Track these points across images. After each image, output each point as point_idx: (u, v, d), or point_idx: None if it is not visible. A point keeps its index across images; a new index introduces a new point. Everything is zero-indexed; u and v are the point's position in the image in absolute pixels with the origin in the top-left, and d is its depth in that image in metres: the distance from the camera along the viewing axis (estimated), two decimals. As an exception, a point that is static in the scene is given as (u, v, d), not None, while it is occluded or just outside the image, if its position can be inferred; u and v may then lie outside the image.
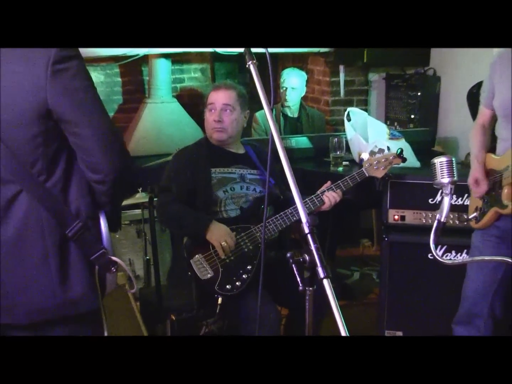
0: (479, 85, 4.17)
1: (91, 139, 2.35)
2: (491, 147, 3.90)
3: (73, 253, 2.43)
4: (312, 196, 4.02)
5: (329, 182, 4.06)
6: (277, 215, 3.98)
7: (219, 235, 3.86)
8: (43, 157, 2.36)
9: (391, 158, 4.25)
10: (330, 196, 3.98)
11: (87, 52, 5.49)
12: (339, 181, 4.07)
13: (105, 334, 2.59)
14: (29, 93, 2.28)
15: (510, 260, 2.97)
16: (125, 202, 4.66)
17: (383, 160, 4.23)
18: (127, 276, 2.61)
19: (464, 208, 4.07)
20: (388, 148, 4.40)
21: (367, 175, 4.19)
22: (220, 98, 4.07)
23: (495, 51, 3.98)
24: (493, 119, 3.89)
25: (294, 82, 6.15)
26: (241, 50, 2.34)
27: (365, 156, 4.34)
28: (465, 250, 4.06)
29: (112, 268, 2.50)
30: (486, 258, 3.71)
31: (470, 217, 3.90)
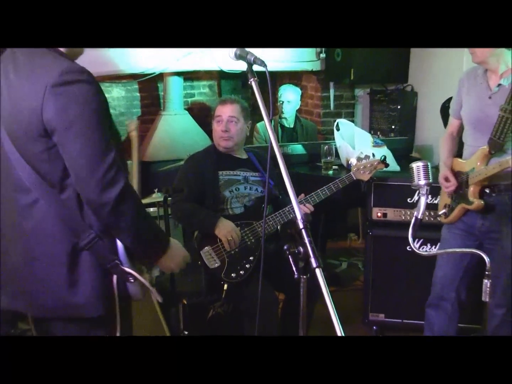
0: (450, 99, 4.18)
1: (75, 165, 2.20)
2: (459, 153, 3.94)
3: (84, 261, 2.33)
4: (307, 196, 4.06)
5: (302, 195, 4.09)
6: (276, 213, 4.00)
7: (226, 230, 3.88)
8: (51, 172, 2.26)
9: (375, 163, 4.29)
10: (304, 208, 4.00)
11: (109, 70, 5.52)
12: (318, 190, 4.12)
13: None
14: (30, 111, 2.17)
15: (476, 251, 2.99)
16: (142, 201, 4.70)
17: (368, 165, 4.26)
18: (141, 284, 2.41)
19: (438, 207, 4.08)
20: (373, 155, 4.41)
21: (354, 178, 4.23)
22: (227, 111, 4.09)
23: (464, 69, 3.99)
24: (461, 128, 3.92)
25: (289, 96, 6.13)
26: (244, 68, 2.31)
27: (353, 161, 4.35)
28: (438, 243, 4.07)
29: (130, 278, 2.38)
30: (458, 250, 3.73)
31: (439, 213, 3.93)
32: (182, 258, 2.64)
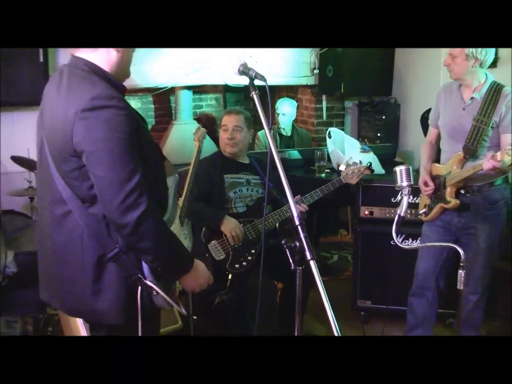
0: (429, 110, 4.19)
1: (99, 186, 2.13)
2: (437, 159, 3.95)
3: (109, 272, 2.25)
4: (302, 197, 4.08)
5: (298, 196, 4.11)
6: (275, 211, 4.03)
7: (231, 226, 3.90)
8: (81, 188, 2.19)
9: (362, 169, 4.31)
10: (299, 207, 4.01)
11: (128, 85, 5.51)
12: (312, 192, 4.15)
13: None
14: (63, 132, 2.11)
15: (453, 245, 3.00)
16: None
17: (356, 171, 4.29)
18: (168, 301, 2.31)
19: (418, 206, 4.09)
20: (360, 162, 4.42)
21: (344, 182, 4.25)
22: (232, 121, 4.11)
23: (441, 84, 4.00)
24: (439, 137, 3.93)
25: (285, 109, 6.13)
26: (247, 83, 2.29)
27: (342, 168, 4.37)
28: (419, 238, 4.08)
29: (153, 292, 2.27)
30: (436, 244, 3.74)
31: (420, 212, 3.93)
32: (205, 279, 2.53)
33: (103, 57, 2.24)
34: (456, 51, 3.52)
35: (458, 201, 3.66)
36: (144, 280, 2.25)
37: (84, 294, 2.26)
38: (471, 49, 3.46)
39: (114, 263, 2.23)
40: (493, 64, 3.59)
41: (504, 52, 4.77)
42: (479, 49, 3.46)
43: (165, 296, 2.29)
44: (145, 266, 2.26)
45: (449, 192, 3.68)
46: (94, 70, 2.22)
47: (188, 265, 2.40)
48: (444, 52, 5.32)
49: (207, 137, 7.07)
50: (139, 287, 2.25)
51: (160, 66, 5.60)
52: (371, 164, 4.44)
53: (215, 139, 6.60)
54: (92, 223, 2.22)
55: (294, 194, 2.16)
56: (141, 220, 2.12)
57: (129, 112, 2.16)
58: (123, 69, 2.36)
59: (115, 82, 2.28)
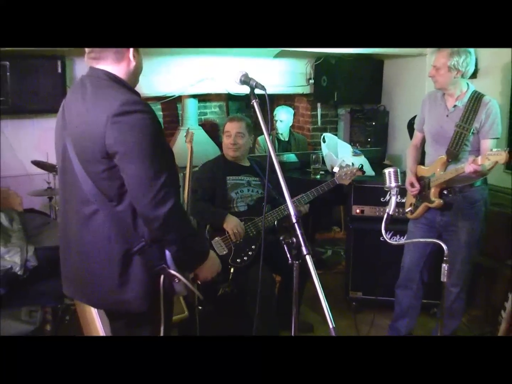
0: (415, 117, 4.19)
1: (132, 184, 2.17)
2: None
3: (135, 264, 2.27)
4: (299, 196, 4.09)
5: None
6: (273, 210, 4.03)
7: (233, 224, 3.90)
8: (110, 188, 2.22)
9: (354, 171, 4.31)
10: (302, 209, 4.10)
11: (141, 93, 5.52)
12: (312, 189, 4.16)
13: (162, 332, 2.39)
14: (95, 137, 2.14)
15: (437, 241, 3.00)
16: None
17: (349, 172, 4.28)
18: (189, 287, 2.39)
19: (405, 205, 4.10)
20: (352, 164, 4.42)
21: (337, 183, 4.26)
22: (235, 127, 4.11)
23: (426, 92, 4.01)
24: (423, 141, 3.94)
25: (283, 116, 6.12)
26: (248, 92, 2.30)
27: (336, 169, 4.37)
28: (405, 235, 4.08)
29: (175, 279, 2.32)
30: (421, 240, 3.73)
31: (406, 210, 3.95)
32: (217, 268, 2.60)
33: (123, 68, 2.31)
34: (440, 63, 3.53)
35: (441, 201, 3.66)
36: (168, 270, 2.29)
37: (112, 287, 2.28)
38: (453, 61, 3.48)
39: (139, 256, 2.26)
40: (474, 75, 3.60)
41: (483, 63, 4.78)
42: (461, 61, 3.48)
43: (187, 283, 2.35)
44: (168, 257, 2.30)
45: (433, 192, 3.68)
46: (113, 79, 2.27)
47: (206, 255, 2.47)
48: (428, 63, 5.34)
49: (211, 141, 7.11)
50: (162, 276, 2.29)
51: (168, 77, 5.61)
52: (362, 166, 4.44)
53: (218, 144, 6.63)
54: (119, 220, 2.25)
55: (292, 195, 2.16)
56: (170, 214, 2.17)
57: (153, 116, 2.21)
58: (136, 78, 2.42)
59: (132, 89, 2.33)
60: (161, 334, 2.40)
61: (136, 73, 2.40)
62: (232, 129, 4.14)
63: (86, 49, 2.32)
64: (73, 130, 2.25)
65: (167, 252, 2.30)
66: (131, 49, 2.32)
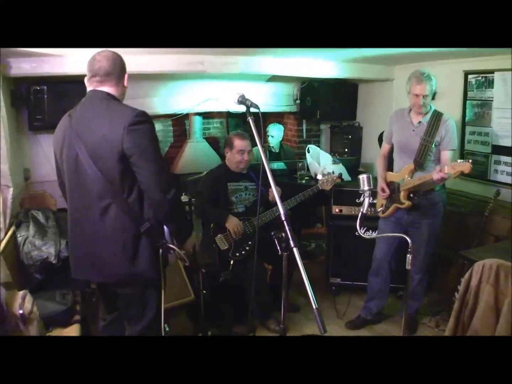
0: (384, 132, 4.21)
1: (147, 177, 2.33)
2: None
3: (143, 243, 2.44)
4: (287, 200, 4.09)
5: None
6: (267, 211, 4.02)
7: (233, 224, 3.90)
8: (123, 184, 2.36)
9: (335, 178, 4.32)
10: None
11: (153, 112, 5.53)
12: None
13: (162, 297, 2.57)
14: (113, 143, 2.28)
15: (403, 236, 3.00)
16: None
17: (330, 179, 4.29)
18: (180, 256, 2.60)
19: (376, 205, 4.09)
20: (333, 172, 4.42)
21: (320, 188, 4.25)
22: (245, 145, 4.05)
23: (393, 110, 4.02)
24: (390, 151, 3.96)
25: (274, 132, 6.11)
26: (244, 110, 2.30)
27: (319, 177, 4.36)
28: (377, 230, 4.08)
29: (171, 251, 2.53)
30: (390, 234, 3.75)
31: (378, 210, 3.95)
32: (194, 241, 2.83)
33: (118, 90, 2.49)
34: (428, 90, 3.57)
35: (410, 203, 3.68)
36: (167, 244, 2.50)
37: (126, 262, 2.42)
38: (432, 86, 3.58)
39: (145, 236, 2.42)
40: (432, 98, 3.62)
41: (439, 88, 4.78)
42: (434, 85, 3.59)
43: (179, 252, 2.57)
44: (166, 234, 2.53)
45: (402, 195, 3.70)
46: (114, 98, 2.45)
47: (191, 230, 2.73)
48: (395, 86, 5.37)
49: (214, 152, 7.10)
50: (160, 250, 2.48)
51: (179, 98, 5.60)
52: (341, 174, 4.45)
53: (220, 154, 6.64)
54: (130, 209, 2.38)
55: (281, 197, 2.16)
56: (175, 198, 2.41)
57: (154, 125, 2.42)
58: (123, 99, 2.58)
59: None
60: (162, 297, 2.57)
61: (124, 95, 2.58)
62: (246, 147, 4.06)
63: (90, 74, 2.44)
64: (88, 139, 2.35)
65: (166, 230, 2.53)
66: (126, 75, 2.53)
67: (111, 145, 2.28)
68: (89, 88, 2.48)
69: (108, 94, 2.44)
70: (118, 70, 2.47)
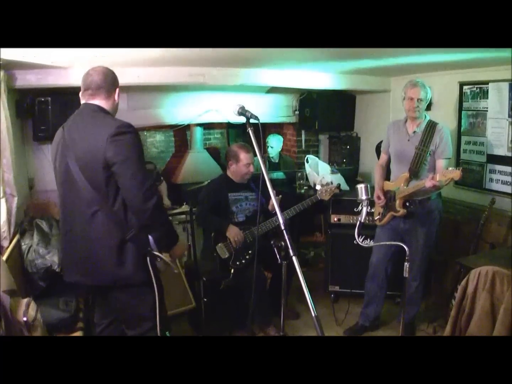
0: (381, 142, 4.23)
1: (127, 185, 2.39)
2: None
3: (129, 249, 2.49)
4: (287, 210, 4.10)
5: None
6: (266, 221, 4.04)
7: (234, 232, 3.93)
8: (108, 192, 2.43)
9: (333, 189, 4.31)
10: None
11: (157, 122, 5.57)
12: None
13: (157, 300, 2.59)
14: (98, 153, 2.36)
15: (400, 244, 3.02)
16: (175, 211, 4.70)
17: (328, 190, 4.28)
18: (167, 263, 2.63)
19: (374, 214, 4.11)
20: (331, 182, 4.44)
21: (319, 198, 4.25)
22: (251, 158, 4.10)
23: (390, 120, 4.06)
24: (388, 161, 3.98)
25: (274, 143, 6.15)
26: (244, 121, 2.31)
27: (318, 187, 4.38)
28: (374, 238, 4.09)
29: (158, 259, 2.56)
30: (387, 243, 3.76)
31: (375, 218, 3.97)
32: (184, 248, 2.89)
33: (110, 104, 2.58)
34: (421, 95, 3.60)
35: (405, 210, 3.70)
36: (152, 251, 2.53)
37: (112, 267, 2.49)
38: (426, 94, 3.61)
39: (131, 242, 2.48)
40: (428, 107, 3.66)
41: (435, 98, 4.83)
42: (428, 93, 3.63)
43: (167, 260, 2.59)
44: (151, 242, 2.53)
45: (398, 203, 3.72)
46: (104, 110, 2.54)
47: (177, 238, 2.70)
48: (392, 97, 5.40)
49: (214, 162, 7.13)
50: (148, 258, 2.51)
51: (180, 109, 5.63)
52: (339, 184, 4.47)
53: (221, 165, 6.66)
54: (115, 216, 2.45)
55: (280, 206, 2.17)
56: (156, 206, 2.41)
57: (138, 136, 2.47)
58: (115, 113, 2.67)
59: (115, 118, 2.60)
60: (156, 302, 2.58)
61: (116, 109, 2.66)
62: (251, 159, 4.11)
63: (83, 87, 2.56)
64: (77, 149, 2.44)
65: (151, 239, 2.53)
66: (117, 90, 2.62)
67: (96, 155, 2.37)
68: (82, 101, 2.60)
69: (98, 106, 2.54)
70: (108, 84, 2.57)
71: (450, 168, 3.27)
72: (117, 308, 2.71)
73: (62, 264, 2.70)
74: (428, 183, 3.35)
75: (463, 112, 4.66)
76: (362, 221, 3.20)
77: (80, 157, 2.43)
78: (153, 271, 2.55)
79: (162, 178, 4.71)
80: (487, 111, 4.41)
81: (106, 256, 2.48)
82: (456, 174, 3.19)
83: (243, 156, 4.09)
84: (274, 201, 2.12)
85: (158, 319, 2.62)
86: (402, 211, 3.70)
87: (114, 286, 2.58)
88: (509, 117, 4.19)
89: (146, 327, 2.65)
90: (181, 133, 7.71)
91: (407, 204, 3.72)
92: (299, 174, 5.34)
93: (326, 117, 6.07)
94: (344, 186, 5.03)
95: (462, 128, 4.68)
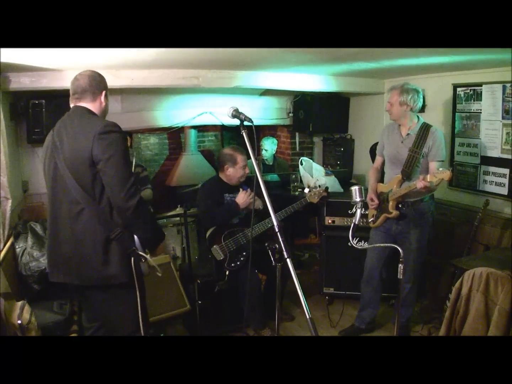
0: (376, 144, 4.24)
1: (111, 183, 2.42)
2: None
3: (113, 248, 2.49)
4: (279, 212, 4.09)
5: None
6: (260, 222, 4.03)
7: (243, 199, 4.02)
8: (94, 190, 2.45)
9: (321, 191, 4.33)
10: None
11: (152, 124, 5.55)
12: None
13: (138, 299, 2.57)
14: (85, 151, 2.40)
15: (394, 246, 3.02)
16: (170, 213, 4.70)
17: (316, 193, 4.30)
18: (151, 265, 2.64)
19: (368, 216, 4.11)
20: (319, 186, 4.44)
21: (308, 201, 4.26)
22: (246, 159, 4.11)
23: (384, 124, 4.06)
24: (383, 163, 3.98)
25: (268, 146, 6.16)
26: (238, 123, 2.32)
27: (306, 191, 4.39)
28: (368, 240, 4.09)
29: (142, 259, 2.56)
30: (381, 245, 3.76)
31: (369, 220, 3.97)
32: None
33: (97, 106, 2.62)
34: (393, 99, 3.65)
35: (398, 212, 3.70)
36: (137, 251, 2.52)
37: (97, 265, 2.48)
38: (403, 98, 3.61)
39: (116, 241, 2.48)
40: (422, 110, 3.66)
41: (429, 100, 4.84)
42: (409, 98, 3.61)
43: (151, 260, 2.59)
44: (136, 242, 2.55)
45: (391, 205, 3.72)
46: (91, 112, 2.59)
47: (164, 235, 2.79)
48: (386, 100, 5.40)
49: (208, 164, 7.13)
50: (132, 258, 2.51)
51: (174, 112, 5.62)
52: (327, 187, 4.47)
53: (214, 167, 6.67)
54: (101, 214, 2.47)
55: (275, 208, 2.16)
56: (139, 204, 2.45)
57: (125, 136, 2.52)
58: (104, 115, 2.71)
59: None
60: (138, 302, 2.56)
61: (104, 111, 2.70)
62: (246, 161, 4.12)
63: (71, 91, 2.61)
64: (65, 149, 2.48)
65: (136, 239, 2.55)
66: (103, 93, 2.65)
67: (83, 153, 2.41)
68: (71, 105, 2.64)
69: (85, 108, 2.59)
70: (94, 87, 2.61)
71: (440, 169, 3.27)
72: (100, 309, 2.70)
73: (48, 264, 2.68)
74: (419, 184, 3.36)
75: (456, 114, 4.67)
76: (356, 223, 3.20)
77: (68, 156, 2.47)
78: (136, 272, 2.54)
79: (150, 185, 4.65)
80: (480, 113, 4.42)
81: (91, 255, 2.49)
82: (446, 174, 3.20)
83: (240, 159, 4.09)
84: (268, 203, 2.11)
85: (141, 322, 2.60)
86: (395, 213, 3.71)
87: (98, 286, 2.56)
88: (502, 118, 4.21)
89: (129, 330, 2.62)
90: (175, 136, 7.71)
91: (400, 206, 3.73)
92: (293, 176, 5.34)
93: (320, 119, 6.08)
94: (338, 188, 5.04)
95: (456, 130, 4.69)
